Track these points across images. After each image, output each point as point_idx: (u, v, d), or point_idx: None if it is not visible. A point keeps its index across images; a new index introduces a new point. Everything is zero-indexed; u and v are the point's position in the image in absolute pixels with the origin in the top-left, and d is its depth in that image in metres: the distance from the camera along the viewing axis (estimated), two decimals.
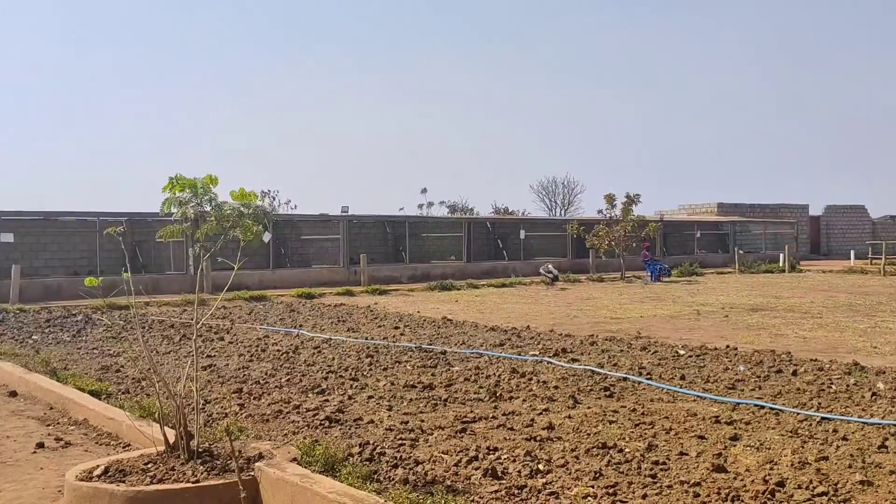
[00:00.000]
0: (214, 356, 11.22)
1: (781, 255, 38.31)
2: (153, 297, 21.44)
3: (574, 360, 10.31)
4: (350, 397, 8.19)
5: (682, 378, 8.98)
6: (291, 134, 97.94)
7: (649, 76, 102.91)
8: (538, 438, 6.35)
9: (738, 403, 7.55)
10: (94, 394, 8.35)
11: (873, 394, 7.89)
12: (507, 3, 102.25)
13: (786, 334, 13.50)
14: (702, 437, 6.32)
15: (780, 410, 7.24)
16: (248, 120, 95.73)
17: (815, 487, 5.07)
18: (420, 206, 58.31)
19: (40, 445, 6.97)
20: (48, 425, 7.77)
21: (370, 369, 9.86)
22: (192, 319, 16.08)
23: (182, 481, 5.19)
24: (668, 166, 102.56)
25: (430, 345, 11.96)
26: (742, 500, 4.90)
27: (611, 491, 5.06)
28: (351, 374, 9.49)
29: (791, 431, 6.53)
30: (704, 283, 28.60)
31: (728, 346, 11.49)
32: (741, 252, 38.52)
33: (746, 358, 10.39)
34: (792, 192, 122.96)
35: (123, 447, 6.84)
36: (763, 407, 7.37)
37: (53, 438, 7.19)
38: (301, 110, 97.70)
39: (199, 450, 5.59)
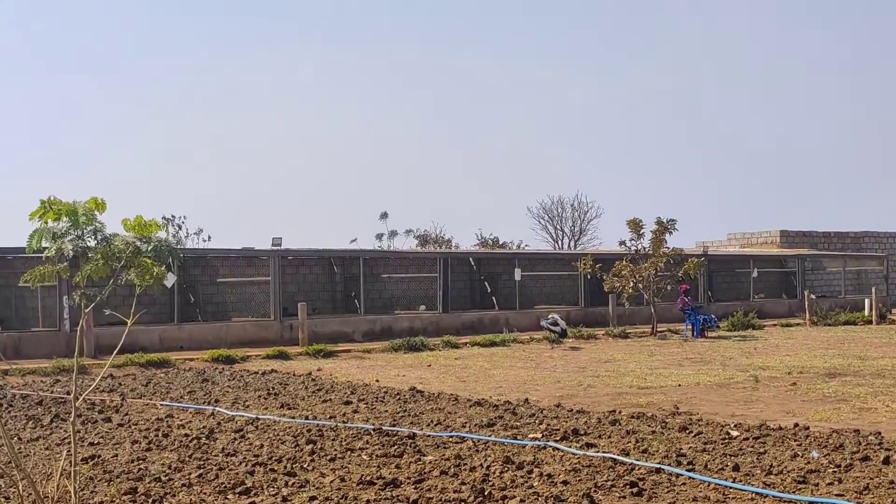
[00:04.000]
0: (99, 444, 11.11)
1: (867, 301, 38.62)
2: (13, 362, 21.24)
3: (589, 446, 10.31)
4: (285, 499, 8.14)
5: (736, 469, 9.01)
6: (204, 144, 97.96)
7: (685, 65, 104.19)
8: None
9: (812, 503, 7.58)
10: None
11: None
12: None
13: (874, 408, 13.59)
14: None
15: None
16: (145, 128, 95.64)
17: None
18: (379, 237, 58.07)
19: None
20: None
21: (312, 460, 9.81)
22: (68, 394, 15.96)
23: None
24: (712, 183, 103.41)
25: (394, 426, 11.91)
26: None
27: None
28: (286, 467, 9.43)
29: None
30: (764, 338, 28.76)
31: (797, 425, 11.55)
32: (812, 297, 38.76)
33: (822, 441, 10.44)
34: (880, 216, 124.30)
35: None
36: None
37: None
38: (217, 115, 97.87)
39: None
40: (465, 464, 9.44)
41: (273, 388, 16.58)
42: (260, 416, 12.89)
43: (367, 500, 8.03)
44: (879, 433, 10.90)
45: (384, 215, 58.15)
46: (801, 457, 9.55)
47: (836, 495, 7.89)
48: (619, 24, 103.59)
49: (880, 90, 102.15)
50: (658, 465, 9.09)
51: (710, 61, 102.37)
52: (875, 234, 52.32)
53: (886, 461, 9.21)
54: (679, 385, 16.86)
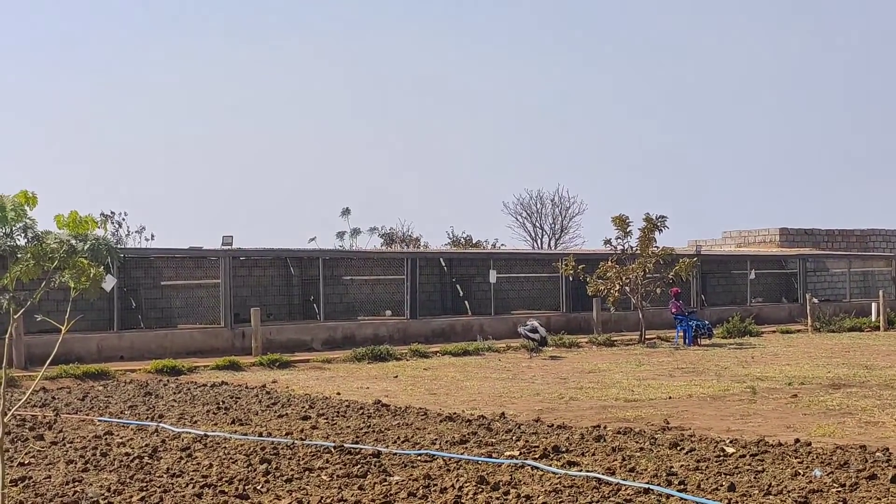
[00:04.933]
0: (30, 464, 11.04)
1: (874, 305, 38.89)
2: None
3: (571, 464, 10.34)
4: None
5: (731, 489, 9.06)
6: (146, 133, 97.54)
7: (676, 51, 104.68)
8: None
9: None
10: None
11: None
12: None
13: (881, 422, 13.69)
14: None
15: None
16: (81, 116, 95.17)
17: None
18: (340, 236, 58.02)
19: None
20: None
21: (267, 481, 9.79)
22: None
23: None
24: (706, 177, 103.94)
25: (357, 443, 11.91)
26: None
27: None
28: (238, 489, 9.41)
29: None
30: (762, 346, 28.93)
31: (798, 441, 11.62)
32: (815, 300, 38.94)
33: (825, 458, 10.51)
34: (887, 213, 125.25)
35: None
36: None
37: None
38: (161, 102, 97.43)
39: None
40: (435, 485, 9.44)
41: (223, 402, 16.53)
42: (209, 433, 12.86)
43: None
44: (887, 449, 10.97)
45: (346, 212, 58.12)
46: (803, 475, 9.60)
47: None
48: (608, 9, 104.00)
49: (886, 79, 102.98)
50: (646, 485, 9.12)
51: (704, 47, 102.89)
52: (882, 231, 52.68)
53: (895, 480, 9.27)
54: (669, 397, 16.93)
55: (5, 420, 5.78)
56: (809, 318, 36.59)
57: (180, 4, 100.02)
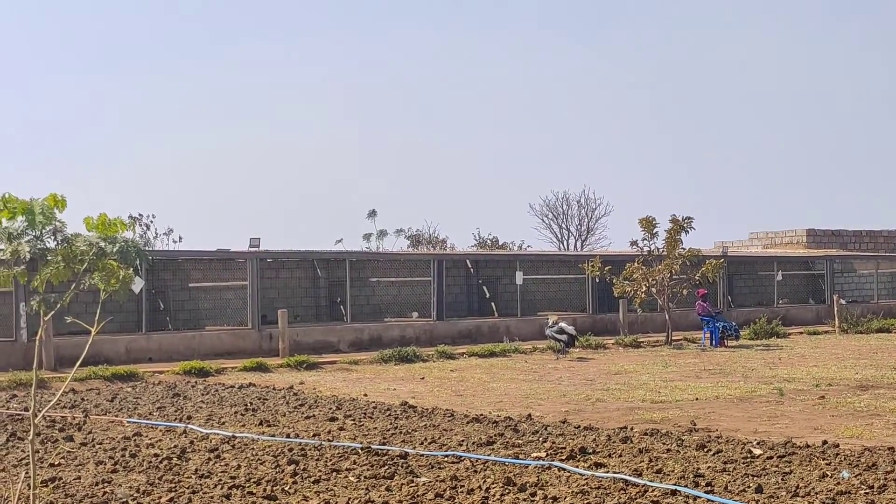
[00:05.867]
0: (60, 465, 11.10)
1: None
2: None
3: (598, 466, 10.32)
4: None
5: (759, 491, 9.03)
6: (174, 136, 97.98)
7: (703, 52, 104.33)
8: None
9: None
10: None
11: None
12: None
13: None
14: None
15: None
16: (110, 121, 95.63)
17: None
18: (367, 238, 58.05)
19: None
20: None
21: (294, 482, 9.81)
22: (25, 410, 15.94)
23: None
24: (732, 178, 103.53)
25: (384, 444, 11.92)
26: None
27: None
28: (265, 490, 9.44)
29: None
30: (789, 347, 28.81)
31: (825, 443, 11.57)
32: (843, 302, 38.81)
33: (852, 460, 10.46)
34: None
35: None
36: None
37: None
38: (189, 107, 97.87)
39: None
40: (462, 486, 9.44)
41: (251, 404, 16.57)
42: (237, 434, 12.89)
43: None
44: None
45: (372, 213, 58.10)
46: (831, 477, 9.56)
47: None
48: (634, 9, 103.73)
49: None
50: (674, 487, 9.10)
51: (732, 47, 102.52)
52: None
53: None
54: (696, 399, 16.88)
55: (36, 421, 5.81)
56: (837, 319, 36.46)
57: (208, 7, 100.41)
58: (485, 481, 9.62)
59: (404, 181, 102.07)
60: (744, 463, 10.40)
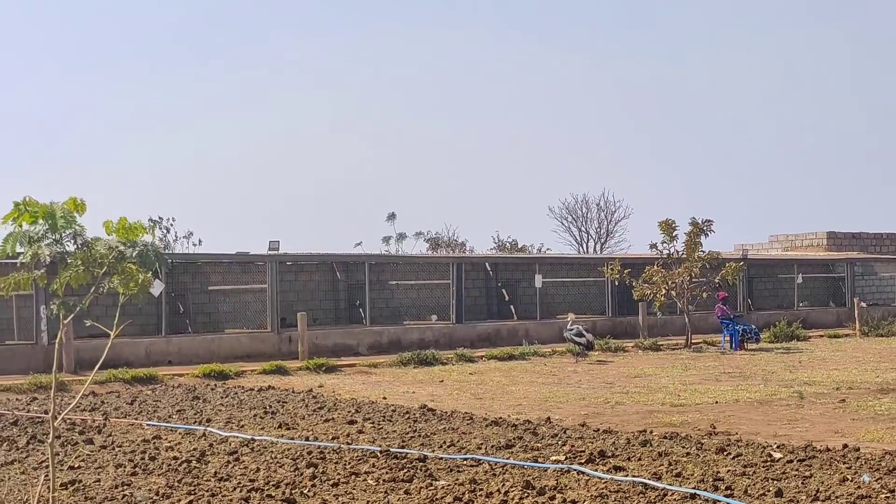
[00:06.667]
0: (80, 468, 11.13)
1: None
2: None
3: (617, 469, 10.30)
4: None
5: (779, 494, 9.00)
6: (193, 139, 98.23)
7: (721, 54, 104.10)
8: None
9: None
10: None
11: None
12: None
13: None
14: None
15: None
16: (129, 124, 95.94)
17: None
18: (386, 241, 58.04)
19: None
20: None
21: (313, 485, 9.82)
22: (45, 413, 15.99)
23: None
24: (752, 180, 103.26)
25: (403, 447, 11.92)
26: None
27: None
28: (284, 493, 9.45)
29: None
30: (810, 350, 28.70)
31: (846, 446, 11.53)
32: (863, 305, 38.63)
33: (873, 463, 10.41)
34: None
35: None
36: None
37: None
38: (208, 109, 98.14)
39: None
40: (481, 489, 9.44)
41: (270, 407, 16.59)
42: (256, 437, 12.91)
43: None
44: None
45: (392, 216, 58.10)
46: (851, 481, 9.52)
47: None
48: (649, 10, 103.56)
49: None
50: (693, 491, 9.08)
51: (749, 49, 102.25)
52: None
53: None
54: (716, 402, 16.84)
55: (56, 424, 5.83)
56: (857, 322, 36.30)
57: (230, 10, 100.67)
58: (504, 485, 9.61)
59: (423, 184, 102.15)
60: (764, 466, 10.37)
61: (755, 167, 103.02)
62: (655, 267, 31.78)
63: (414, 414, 15.33)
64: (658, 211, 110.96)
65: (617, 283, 34.23)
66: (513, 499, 9.02)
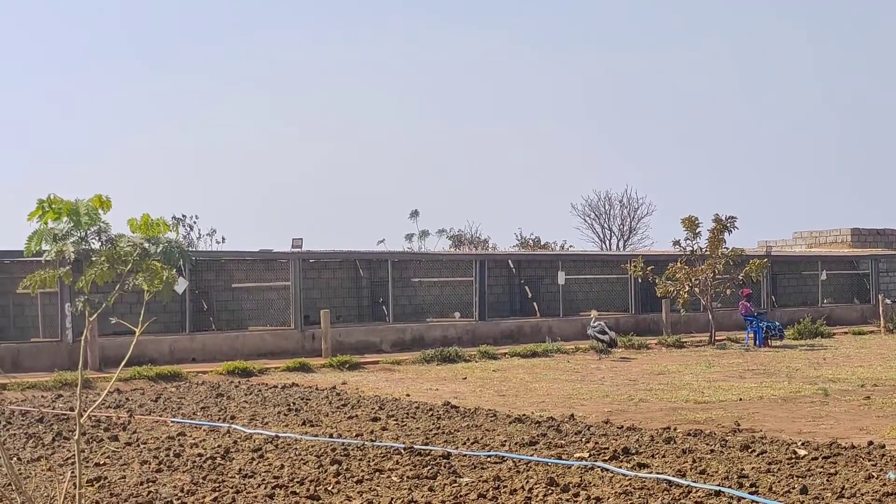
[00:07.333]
0: (105, 464, 11.18)
1: None
2: (12, 376, 21.41)
3: (641, 466, 10.28)
4: None
5: (804, 492, 8.96)
6: (217, 137, 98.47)
7: (745, 46, 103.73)
8: None
9: None
10: None
11: None
12: None
13: None
14: None
15: None
16: (153, 121, 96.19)
17: None
18: (409, 238, 58.23)
19: None
20: None
21: (337, 482, 9.83)
22: (71, 410, 16.06)
23: None
24: (776, 177, 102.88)
25: (427, 444, 11.92)
26: None
27: None
28: (309, 490, 9.46)
29: None
30: (834, 347, 28.60)
31: (871, 444, 11.47)
32: (888, 301, 38.50)
33: None
34: None
35: None
36: None
37: None
38: (231, 106, 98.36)
39: None
40: (504, 486, 9.43)
41: (294, 404, 16.62)
42: (280, 434, 12.93)
43: None
44: None
45: (415, 214, 58.28)
46: (877, 478, 9.48)
47: None
48: (672, 6, 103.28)
49: None
50: (718, 488, 9.05)
51: (774, 46, 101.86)
52: None
53: None
54: (740, 399, 16.78)
55: (81, 421, 5.85)
56: (882, 319, 36.15)
57: (251, 7, 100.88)
58: (527, 482, 9.60)
59: (446, 181, 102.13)
60: (788, 464, 10.34)
61: (779, 164, 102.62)
62: (679, 264, 31.67)
63: (437, 411, 15.33)
64: (681, 208, 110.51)
65: (640, 280, 34.19)
66: (537, 496, 9.00)
